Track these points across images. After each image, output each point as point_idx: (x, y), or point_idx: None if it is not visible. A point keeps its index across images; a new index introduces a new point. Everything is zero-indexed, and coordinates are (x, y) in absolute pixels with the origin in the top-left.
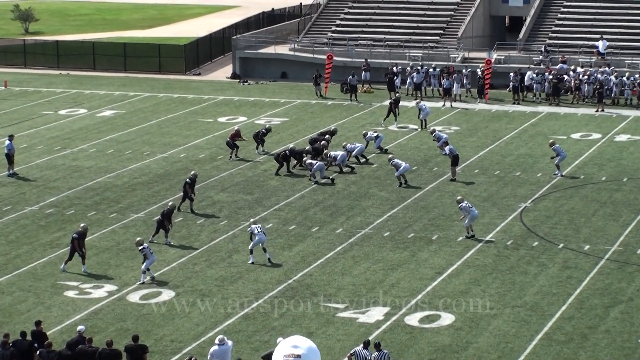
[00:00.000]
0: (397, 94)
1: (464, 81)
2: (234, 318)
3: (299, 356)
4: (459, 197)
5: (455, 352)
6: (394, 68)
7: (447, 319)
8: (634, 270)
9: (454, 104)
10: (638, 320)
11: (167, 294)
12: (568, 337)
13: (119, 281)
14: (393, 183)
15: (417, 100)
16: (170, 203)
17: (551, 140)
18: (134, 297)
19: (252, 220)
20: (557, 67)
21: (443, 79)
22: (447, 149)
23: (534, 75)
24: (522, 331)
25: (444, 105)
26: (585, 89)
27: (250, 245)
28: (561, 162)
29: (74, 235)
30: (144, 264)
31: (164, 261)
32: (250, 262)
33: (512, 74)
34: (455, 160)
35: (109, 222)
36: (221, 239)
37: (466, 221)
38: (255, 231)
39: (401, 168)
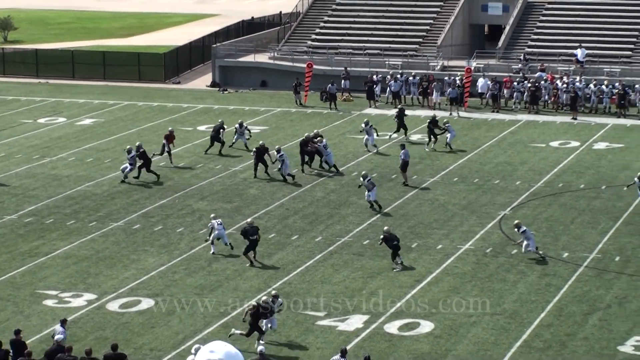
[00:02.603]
0: (399, 106)
1: (445, 89)
2: (214, 326)
3: None
4: (517, 222)
5: None
6: (375, 76)
7: (426, 326)
8: (612, 277)
9: (434, 112)
10: (616, 327)
11: (146, 303)
12: (547, 345)
13: (98, 290)
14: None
15: (445, 120)
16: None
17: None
18: (113, 306)
19: (212, 215)
20: (536, 75)
21: (450, 87)
22: (401, 153)
23: (489, 82)
24: (501, 339)
25: (450, 114)
26: (564, 97)
27: (210, 237)
28: None
29: None
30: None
31: (143, 270)
32: (211, 252)
33: (489, 82)
34: (404, 166)
35: (88, 230)
36: (200, 248)
37: (530, 247)
38: (215, 226)
39: (372, 194)
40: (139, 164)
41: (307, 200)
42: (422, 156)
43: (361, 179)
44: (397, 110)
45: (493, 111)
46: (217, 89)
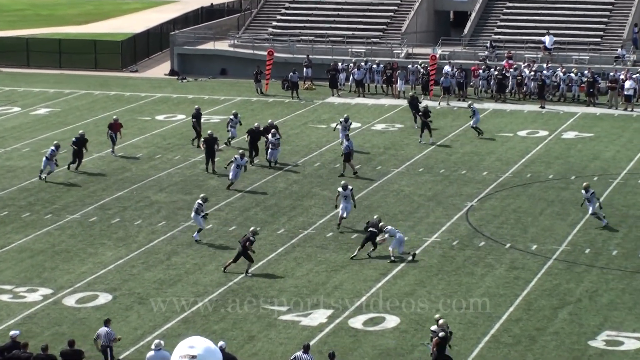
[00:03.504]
0: (410, 94)
1: (408, 77)
2: (173, 322)
3: (194, 356)
4: (382, 223)
5: (401, 356)
6: (340, 64)
7: (392, 321)
8: (583, 270)
9: (398, 102)
10: (587, 322)
11: (104, 298)
12: (516, 340)
13: (54, 284)
14: (335, 182)
15: (470, 102)
16: None
17: None
18: (70, 301)
19: (202, 195)
20: (503, 62)
21: (443, 77)
22: (348, 143)
23: (448, 70)
24: (469, 334)
25: (439, 104)
26: (532, 85)
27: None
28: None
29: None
30: None
31: (101, 263)
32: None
33: (453, 70)
34: (347, 156)
35: (43, 223)
36: (159, 241)
37: (394, 246)
38: (195, 207)
39: (348, 207)
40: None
41: (268, 192)
42: (386, 146)
43: (340, 189)
44: (409, 97)
45: (459, 100)
46: (176, 77)
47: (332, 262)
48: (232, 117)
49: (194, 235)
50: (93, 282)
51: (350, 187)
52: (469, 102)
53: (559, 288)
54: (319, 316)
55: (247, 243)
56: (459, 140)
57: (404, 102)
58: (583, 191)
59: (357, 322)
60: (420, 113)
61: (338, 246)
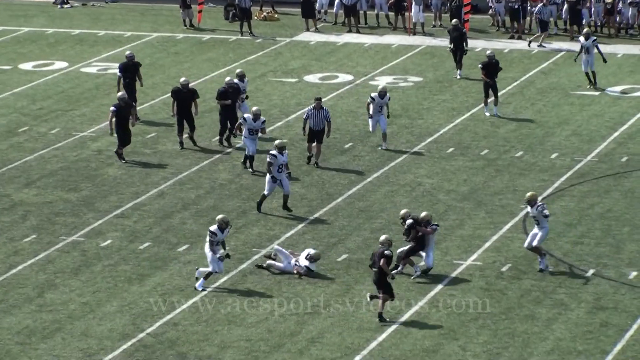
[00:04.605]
0: (453, 23)
1: (430, 1)
2: None
3: None
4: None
5: None
6: None
7: None
8: None
9: (413, 40)
10: None
11: None
12: None
13: None
14: (312, 171)
15: (587, 30)
16: None
17: None
18: None
19: (219, 217)
20: None
21: (529, 5)
22: (316, 117)
23: None
24: None
25: (529, 44)
26: (629, 13)
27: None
28: None
29: None
30: None
31: None
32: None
33: None
34: (314, 135)
35: None
36: (26, 266)
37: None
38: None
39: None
40: None
41: (203, 187)
42: (395, 112)
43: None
44: (450, 29)
45: (512, 37)
46: (53, 0)
47: (306, 298)
48: (236, 81)
49: (197, 284)
50: None
51: (437, 226)
52: (586, 30)
53: None
54: None
55: (382, 260)
56: (511, 102)
57: (422, 40)
58: (528, 206)
59: None
60: (481, 65)
61: (316, 273)
